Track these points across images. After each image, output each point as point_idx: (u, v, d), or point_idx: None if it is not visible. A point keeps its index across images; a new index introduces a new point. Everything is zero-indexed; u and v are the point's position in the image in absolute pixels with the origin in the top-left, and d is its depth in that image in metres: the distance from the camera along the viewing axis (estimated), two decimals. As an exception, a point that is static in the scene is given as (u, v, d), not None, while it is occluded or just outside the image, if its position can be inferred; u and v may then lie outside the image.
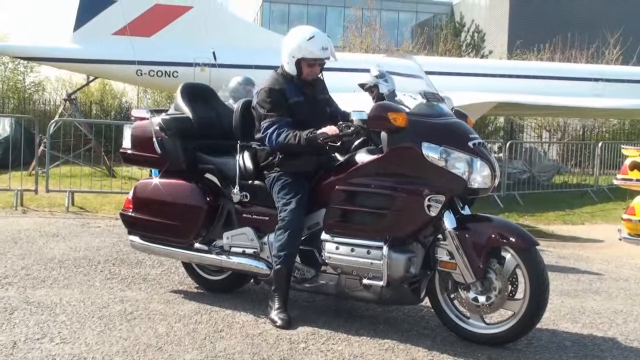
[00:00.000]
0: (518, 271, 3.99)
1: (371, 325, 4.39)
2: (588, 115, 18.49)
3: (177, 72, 12.87)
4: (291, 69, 4.55)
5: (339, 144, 4.32)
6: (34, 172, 11.21)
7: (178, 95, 5.14)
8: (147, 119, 5.06)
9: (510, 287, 4.00)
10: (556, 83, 14.96)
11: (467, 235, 3.97)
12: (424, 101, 4.31)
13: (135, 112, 5.40)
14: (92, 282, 5.22)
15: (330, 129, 4.26)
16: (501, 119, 21.54)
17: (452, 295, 4.18)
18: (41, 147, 11.47)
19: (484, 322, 4.15)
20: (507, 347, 4.06)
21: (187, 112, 4.99)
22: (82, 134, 14.93)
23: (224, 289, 5.08)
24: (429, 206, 3.97)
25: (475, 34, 26.16)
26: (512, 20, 34.30)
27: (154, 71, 12.94)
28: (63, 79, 23.02)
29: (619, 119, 21.67)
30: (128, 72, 13.14)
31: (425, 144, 4.00)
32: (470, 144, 4.06)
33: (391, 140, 4.11)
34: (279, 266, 4.35)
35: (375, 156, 4.22)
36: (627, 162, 7.64)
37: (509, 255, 4.00)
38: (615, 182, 8.45)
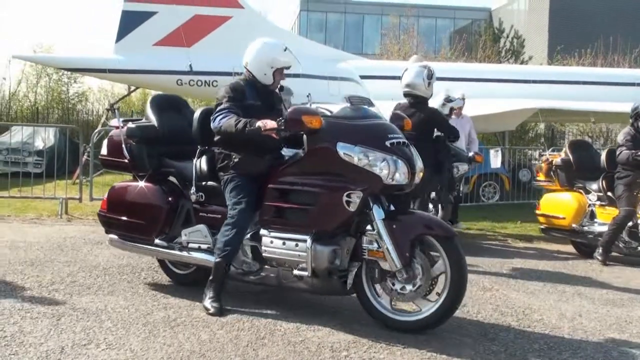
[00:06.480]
0: (439, 260, 4.22)
1: (412, 334, 4.37)
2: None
3: (216, 81, 12.99)
4: (267, 79, 4.92)
5: (277, 137, 4.56)
6: (77, 180, 11.44)
7: (147, 106, 5.62)
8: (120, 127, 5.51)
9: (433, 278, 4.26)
10: (598, 88, 14.71)
11: (394, 225, 4.24)
12: (349, 105, 4.57)
13: (111, 122, 5.83)
14: (135, 289, 5.31)
15: (269, 122, 4.49)
16: (542, 126, 21.21)
17: (378, 286, 4.40)
18: (85, 156, 11.68)
19: (407, 310, 4.48)
20: (551, 357, 4.00)
21: (153, 120, 5.43)
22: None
23: (191, 282, 5.38)
24: (347, 202, 4.25)
25: (515, 40, 25.82)
26: (552, 25, 33.88)
27: (193, 81, 13.11)
28: (105, 89, 23.54)
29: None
30: (168, 82, 13.32)
31: (340, 144, 4.30)
32: (387, 143, 4.32)
33: (310, 141, 4.47)
34: (219, 259, 4.68)
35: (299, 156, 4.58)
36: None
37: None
38: (534, 183, 9.96)
